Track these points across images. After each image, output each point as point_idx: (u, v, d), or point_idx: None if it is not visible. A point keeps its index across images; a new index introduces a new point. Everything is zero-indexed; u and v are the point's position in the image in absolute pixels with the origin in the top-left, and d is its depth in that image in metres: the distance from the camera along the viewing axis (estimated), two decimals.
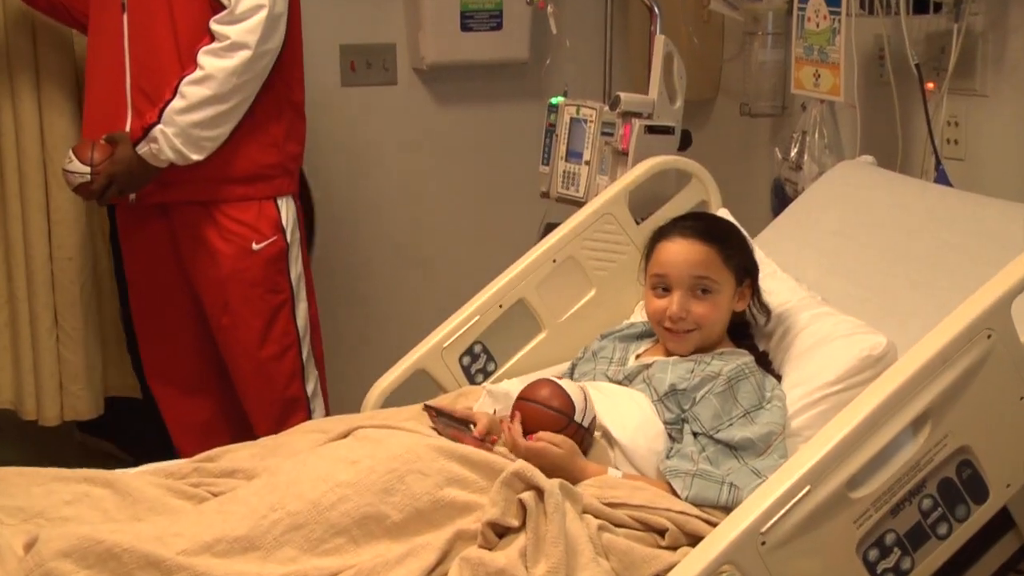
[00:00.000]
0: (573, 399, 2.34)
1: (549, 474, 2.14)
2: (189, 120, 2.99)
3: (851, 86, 3.23)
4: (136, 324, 3.41)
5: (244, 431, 3.27)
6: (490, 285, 2.94)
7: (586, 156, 3.36)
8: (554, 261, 2.98)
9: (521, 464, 2.12)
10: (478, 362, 2.91)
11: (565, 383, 2.38)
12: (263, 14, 2.97)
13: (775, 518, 1.90)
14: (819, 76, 3.29)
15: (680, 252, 2.51)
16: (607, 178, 3.28)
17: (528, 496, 2.06)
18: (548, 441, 2.27)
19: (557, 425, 2.30)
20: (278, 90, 3.15)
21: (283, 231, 3.19)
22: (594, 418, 2.35)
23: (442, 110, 4.17)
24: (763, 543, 1.88)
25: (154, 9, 3.06)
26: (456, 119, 4.18)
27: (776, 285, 2.68)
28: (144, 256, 3.30)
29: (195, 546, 1.95)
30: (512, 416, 2.36)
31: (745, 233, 2.69)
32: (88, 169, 3.07)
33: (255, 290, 3.18)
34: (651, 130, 3.27)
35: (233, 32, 2.97)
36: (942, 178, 3.04)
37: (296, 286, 3.24)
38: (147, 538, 1.95)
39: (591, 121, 3.35)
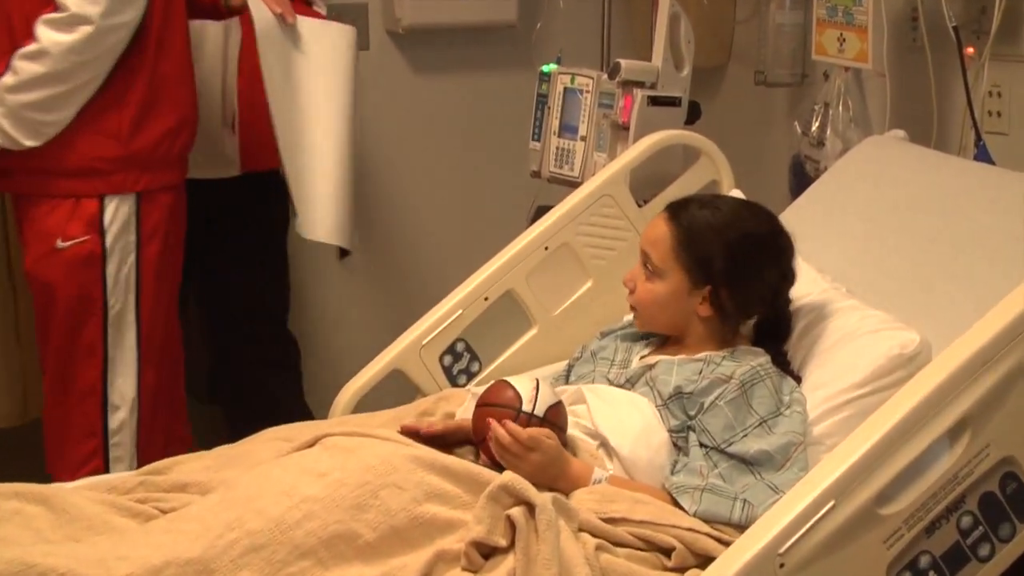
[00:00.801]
0: (519, 389, 2.34)
1: (531, 475, 2.15)
2: (21, 100, 2.94)
3: (880, 52, 3.23)
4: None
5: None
6: (474, 275, 2.94)
7: (582, 131, 3.36)
8: (546, 248, 2.98)
9: (509, 476, 2.11)
10: (460, 361, 2.91)
11: (516, 377, 2.39)
12: None
13: (795, 537, 1.90)
14: (844, 40, 3.29)
15: (651, 224, 2.58)
16: (605, 155, 3.28)
17: (517, 512, 2.06)
18: (509, 431, 2.27)
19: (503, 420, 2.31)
20: (136, 71, 3.08)
21: (101, 232, 3.11)
22: (555, 407, 2.35)
23: (420, 79, 4.16)
24: (781, 565, 1.88)
25: None
26: (435, 89, 4.18)
27: None
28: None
29: (142, 570, 1.94)
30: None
31: (768, 241, 2.55)
32: None
33: (58, 292, 3.13)
34: (655, 101, 3.27)
35: (73, 2, 2.89)
36: (983, 155, 3.04)
37: (114, 297, 3.16)
38: (87, 561, 1.94)
39: (587, 91, 3.35)
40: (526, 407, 2.32)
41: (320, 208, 3.25)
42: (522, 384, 2.35)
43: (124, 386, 3.21)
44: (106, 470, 3.23)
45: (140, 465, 3.17)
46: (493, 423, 2.29)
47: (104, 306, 3.14)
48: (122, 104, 3.07)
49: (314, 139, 3.23)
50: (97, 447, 3.23)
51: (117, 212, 3.11)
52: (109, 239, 3.11)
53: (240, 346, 3.79)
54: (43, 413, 3.30)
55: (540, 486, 2.16)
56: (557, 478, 2.26)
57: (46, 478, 2.94)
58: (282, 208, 3.54)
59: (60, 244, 3.08)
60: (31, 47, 2.93)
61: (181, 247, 3.32)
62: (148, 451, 3.26)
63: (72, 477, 3.15)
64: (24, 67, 2.94)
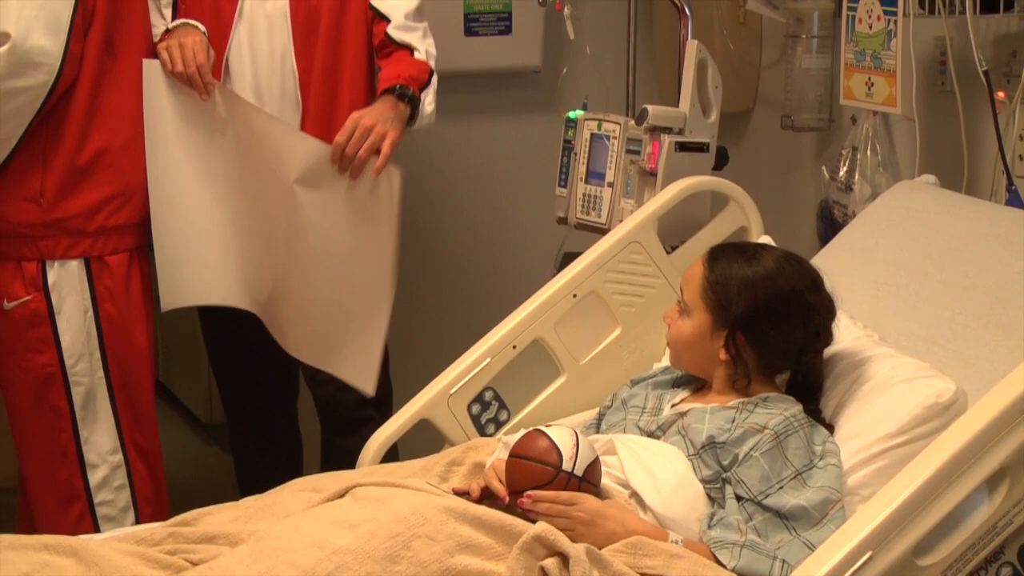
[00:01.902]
0: (559, 445, 2.33)
1: (609, 535, 2.18)
2: None
3: (909, 96, 3.24)
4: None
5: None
6: (502, 324, 2.94)
7: (609, 177, 3.36)
8: (574, 296, 2.98)
9: (543, 527, 2.12)
10: (489, 410, 2.91)
11: (554, 429, 2.37)
12: (4, 47, 2.87)
13: None
14: (872, 85, 3.31)
15: (692, 263, 2.65)
16: (633, 202, 3.28)
17: (551, 563, 2.07)
18: (551, 500, 2.26)
19: (543, 479, 2.30)
20: (61, 136, 3.05)
21: (45, 292, 3.09)
22: (593, 464, 2.35)
23: (443, 123, 4.15)
24: None
25: None
26: (460, 134, 4.20)
27: None
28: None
29: None
30: (499, 479, 2.37)
31: (793, 296, 2.54)
32: None
33: (12, 354, 3.12)
34: (683, 147, 3.27)
35: None
36: (1015, 200, 3.04)
37: (73, 356, 3.13)
38: None
39: (615, 137, 3.36)
40: (566, 465, 2.31)
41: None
42: (562, 438, 2.34)
43: (101, 443, 3.19)
44: (96, 532, 3.22)
45: (141, 520, 3.21)
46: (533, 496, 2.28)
47: (62, 366, 3.12)
48: (45, 168, 3.04)
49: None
50: (83, 510, 3.21)
51: (61, 273, 3.09)
52: (55, 298, 3.09)
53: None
54: (22, 483, 3.28)
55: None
56: (615, 533, 2.25)
57: None
58: None
59: (6, 304, 3.08)
60: None
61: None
62: (158, 503, 3.29)
63: None
64: None
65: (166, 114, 3.17)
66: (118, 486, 3.22)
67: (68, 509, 3.18)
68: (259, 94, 3.31)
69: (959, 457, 2.00)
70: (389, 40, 3.33)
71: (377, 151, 3.15)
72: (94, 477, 3.19)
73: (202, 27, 3.20)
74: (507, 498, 2.33)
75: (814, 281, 2.58)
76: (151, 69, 3.14)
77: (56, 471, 3.18)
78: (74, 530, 3.04)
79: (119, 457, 3.20)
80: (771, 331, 2.52)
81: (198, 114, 3.20)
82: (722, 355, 2.53)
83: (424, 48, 3.34)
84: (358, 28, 3.37)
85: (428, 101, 3.29)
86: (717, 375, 2.56)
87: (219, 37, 3.27)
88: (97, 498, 3.21)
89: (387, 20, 3.32)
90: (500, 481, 2.38)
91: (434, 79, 3.31)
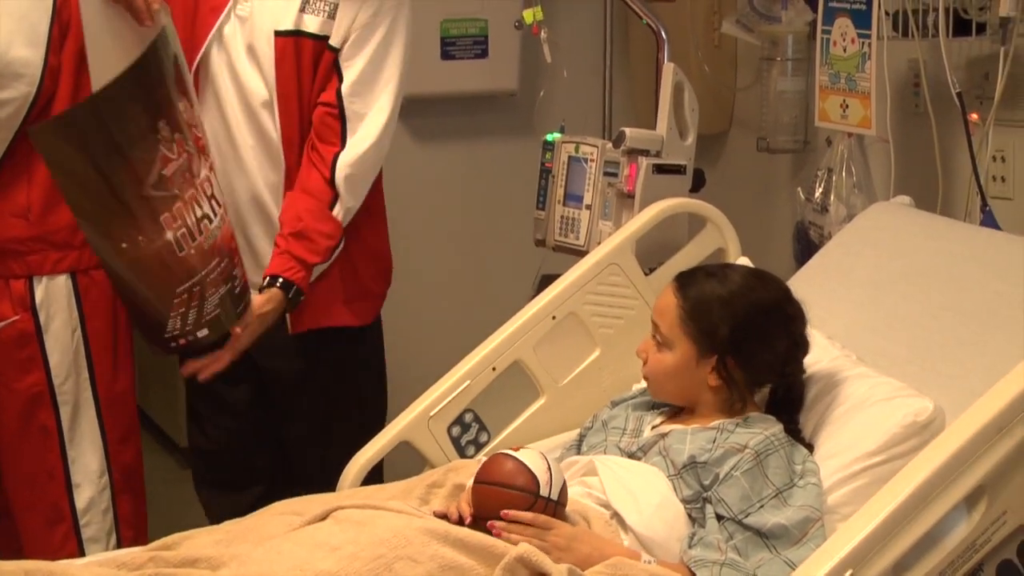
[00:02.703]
0: (535, 471, 2.32)
1: (584, 558, 2.17)
2: None
3: (883, 117, 3.27)
4: None
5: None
6: (481, 346, 2.94)
7: (587, 199, 3.38)
8: (553, 318, 2.99)
9: (525, 547, 2.13)
10: (469, 432, 2.91)
11: (523, 452, 2.36)
12: None
13: None
14: (847, 107, 3.33)
15: (661, 295, 2.63)
16: (611, 224, 3.30)
17: None
18: (528, 522, 2.26)
19: (523, 505, 2.29)
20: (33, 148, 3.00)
21: (33, 311, 3.05)
22: (563, 485, 2.35)
23: (420, 147, 4.20)
24: None
25: None
26: (437, 158, 4.21)
27: None
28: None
29: None
30: (472, 502, 2.35)
31: (774, 308, 2.57)
32: None
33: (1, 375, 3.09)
34: (660, 169, 3.29)
35: None
36: (989, 220, 3.06)
37: (60, 376, 3.09)
38: None
39: (592, 160, 3.38)
40: (543, 491, 2.30)
41: None
42: (535, 463, 2.32)
43: (88, 464, 3.16)
44: (80, 554, 3.22)
45: (123, 543, 3.18)
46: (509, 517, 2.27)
47: (50, 385, 3.08)
48: (30, 182, 3.00)
49: None
50: (68, 531, 3.18)
51: (49, 291, 3.05)
52: (43, 317, 3.05)
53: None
54: (5, 505, 3.24)
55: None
56: (590, 557, 2.25)
57: None
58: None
59: None
60: None
61: None
62: (138, 526, 3.27)
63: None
64: None
65: (108, 49, 2.87)
66: (104, 508, 3.21)
67: (53, 530, 3.15)
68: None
69: (938, 475, 2.01)
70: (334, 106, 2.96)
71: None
72: (80, 498, 3.16)
73: None
74: (468, 520, 2.33)
75: (785, 291, 2.61)
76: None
77: (42, 492, 3.15)
78: (58, 551, 3.05)
79: (105, 479, 3.19)
80: (758, 348, 2.53)
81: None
82: (712, 381, 2.52)
83: (365, 180, 3.02)
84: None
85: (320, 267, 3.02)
86: (703, 401, 2.55)
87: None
88: (83, 520, 3.18)
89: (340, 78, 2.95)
90: (468, 503, 2.37)
91: (340, 243, 3.01)
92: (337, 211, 2.94)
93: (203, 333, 2.85)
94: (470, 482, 2.43)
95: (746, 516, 2.33)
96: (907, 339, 2.71)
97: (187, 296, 2.74)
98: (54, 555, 3.05)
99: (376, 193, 3.14)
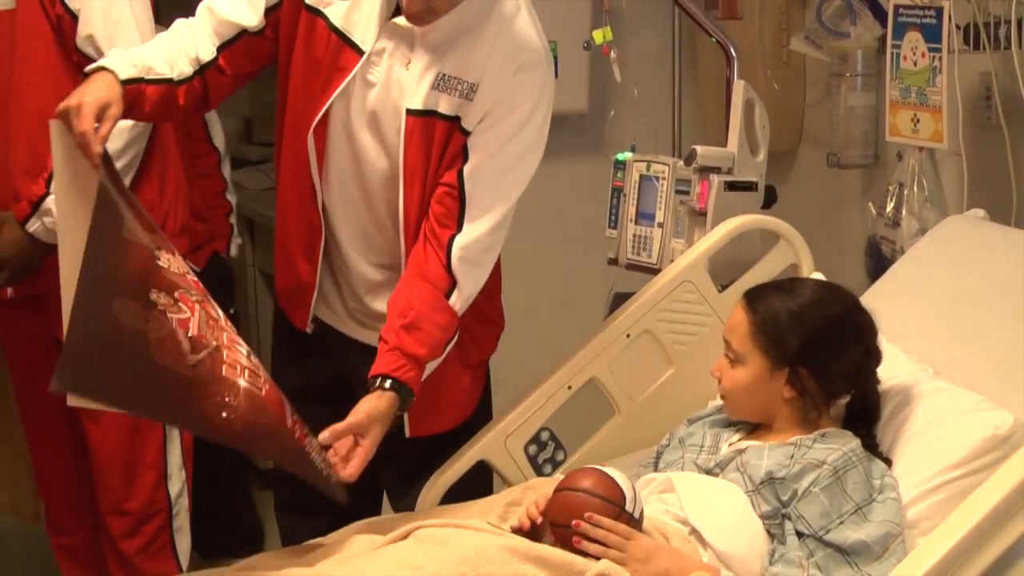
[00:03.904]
0: (622, 487, 2.34)
1: (660, 573, 2.17)
2: None
3: (955, 131, 3.25)
4: (26, 430, 3.42)
5: None
6: (557, 364, 2.95)
7: (659, 218, 3.37)
8: (628, 336, 2.99)
9: (606, 564, 2.13)
10: (545, 451, 2.92)
11: (610, 470, 2.37)
12: None
13: None
14: (918, 121, 3.31)
15: (732, 312, 2.62)
16: (683, 242, 3.29)
17: None
18: (609, 528, 2.26)
19: (607, 515, 2.29)
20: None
21: None
22: (642, 511, 2.36)
23: None
24: None
25: (9, 91, 3.06)
26: None
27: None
28: (24, 358, 3.29)
29: None
30: (549, 507, 2.36)
31: (845, 317, 2.57)
32: None
33: None
34: (732, 187, 3.28)
35: None
36: None
37: None
38: None
39: (664, 178, 3.37)
40: (628, 506, 2.31)
41: None
42: (623, 480, 2.34)
43: (175, 458, 3.26)
44: (172, 544, 3.27)
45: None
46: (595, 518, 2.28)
47: None
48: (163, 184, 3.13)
49: None
50: (164, 523, 3.28)
51: None
52: None
53: None
54: (99, 497, 3.31)
55: None
56: (669, 572, 2.26)
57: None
58: None
59: None
60: None
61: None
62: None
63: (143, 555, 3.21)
64: None
65: (67, 181, 2.53)
66: (185, 504, 3.30)
67: (151, 522, 3.24)
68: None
69: (1020, 489, 1.99)
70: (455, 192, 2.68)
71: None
72: (173, 489, 3.26)
73: (121, 67, 2.55)
74: (537, 521, 2.35)
75: (855, 302, 2.61)
76: (57, 129, 2.52)
77: (143, 484, 3.24)
78: (153, 541, 3.22)
79: (184, 474, 3.27)
80: (830, 357, 2.53)
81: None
82: (786, 393, 2.52)
83: (478, 272, 2.72)
84: None
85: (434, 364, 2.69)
86: (780, 415, 2.55)
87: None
88: (175, 510, 3.28)
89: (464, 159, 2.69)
90: (536, 507, 2.38)
91: (454, 336, 2.70)
92: (454, 300, 2.66)
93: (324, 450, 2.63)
94: (548, 491, 2.43)
95: (826, 532, 2.32)
96: (984, 352, 2.69)
97: (296, 427, 2.53)
98: (148, 544, 3.23)
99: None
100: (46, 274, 2.96)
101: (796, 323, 2.52)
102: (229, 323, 2.52)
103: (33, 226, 3.01)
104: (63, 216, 2.52)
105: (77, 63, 2.95)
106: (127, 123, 2.83)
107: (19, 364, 3.33)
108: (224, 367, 2.40)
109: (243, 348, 2.49)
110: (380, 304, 2.74)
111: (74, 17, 2.98)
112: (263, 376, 2.50)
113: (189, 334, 2.35)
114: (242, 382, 2.41)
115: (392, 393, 2.57)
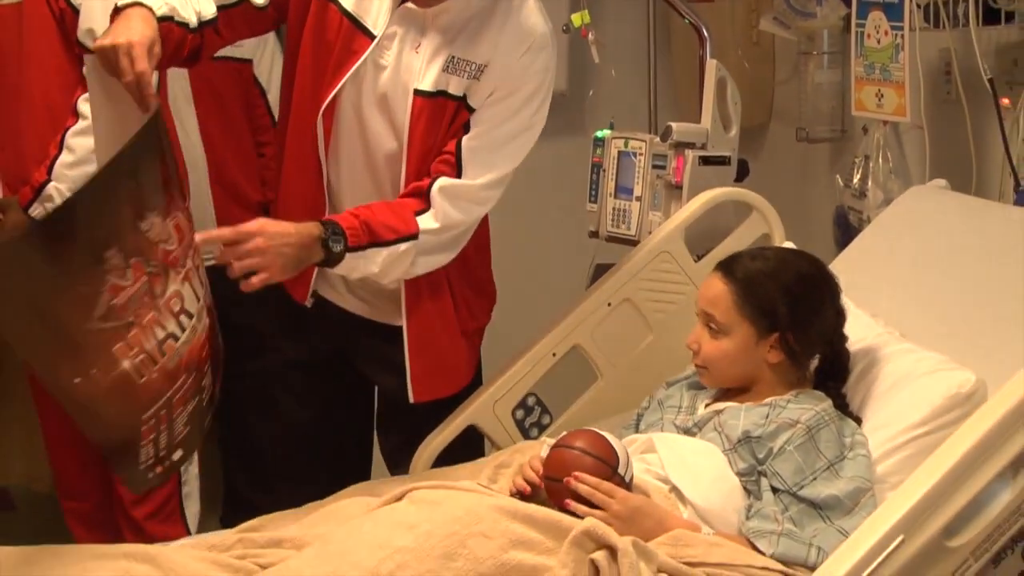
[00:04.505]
0: (616, 449, 2.34)
1: (646, 531, 2.16)
2: (82, 173, 2.93)
3: (917, 105, 3.24)
4: (36, 402, 3.44)
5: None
6: (542, 332, 2.96)
7: (637, 191, 3.37)
8: (609, 304, 2.99)
9: (591, 522, 2.13)
10: (532, 415, 2.92)
11: (609, 436, 2.38)
12: None
13: (869, 570, 1.92)
14: (882, 96, 3.31)
15: (706, 284, 2.59)
16: (660, 214, 3.29)
17: (600, 556, 2.08)
18: (594, 486, 2.27)
19: (599, 474, 2.31)
20: None
21: None
22: (633, 476, 2.36)
23: None
24: None
25: (17, 81, 3.07)
26: None
27: (849, 321, 2.67)
28: None
29: None
30: (545, 462, 2.37)
31: (820, 281, 2.58)
32: None
33: None
34: (706, 161, 3.28)
35: None
36: (1022, 199, 3.04)
37: None
38: None
39: (641, 154, 3.37)
40: (621, 469, 2.32)
41: None
42: (617, 444, 2.35)
43: None
44: (181, 509, 3.28)
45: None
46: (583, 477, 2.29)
47: None
48: None
49: None
50: (173, 490, 3.32)
51: None
52: None
53: None
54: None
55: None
56: (652, 530, 2.26)
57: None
58: None
59: None
60: (80, 124, 2.97)
61: None
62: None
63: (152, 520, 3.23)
64: (79, 143, 2.98)
65: (110, 119, 2.48)
66: (195, 472, 3.29)
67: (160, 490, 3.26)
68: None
69: (982, 443, 2.01)
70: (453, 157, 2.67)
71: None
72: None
73: (155, 2, 2.46)
74: (542, 483, 2.35)
75: (821, 263, 2.62)
76: (91, 63, 2.44)
77: None
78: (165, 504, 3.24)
79: None
80: (812, 318, 2.53)
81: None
82: (773, 357, 2.51)
83: (456, 210, 2.68)
84: None
85: (373, 260, 2.61)
86: (763, 378, 2.54)
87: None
88: (184, 476, 3.31)
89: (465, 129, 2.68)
90: (533, 470, 2.40)
91: (407, 246, 2.62)
92: (421, 219, 2.62)
93: (178, 455, 2.53)
94: (545, 449, 2.43)
95: (800, 488, 2.32)
96: (947, 315, 2.70)
97: (155, 421, 2.41)
98: (160, 509, 3.26)
99: (483, 227, 2.92)
100: None
101: (782, 291, 2.51)
102: (178, 300, 2.38)
103: (35, 211, 3.03)
104: (102, 157, 2.42)
105: (79, 56, 2.93)
106: None
107: None
108: (120, 344, 2.28)
109: (162, 332, 2.34)
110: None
111: (75, 11, 2.98)
112: (162, 367, 2.37)
113: (112, 301, 2.24)
114: (126, 363, 2.29)
115: (320, 228, 2.53)
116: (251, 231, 2.46)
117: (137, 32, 2.36)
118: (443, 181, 2.63)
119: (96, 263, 2.19)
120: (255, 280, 2.45)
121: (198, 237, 2.38)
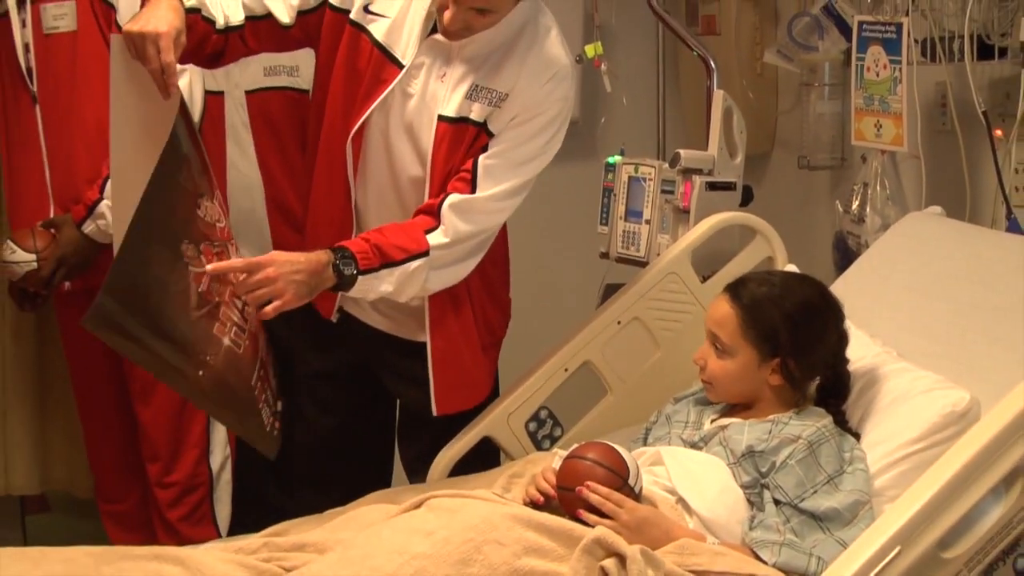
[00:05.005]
0: (626, 461, 2.34)
1: (653, 540, 2.16)
2: None
3: (914, 135, 3.25)
4: (80, 410, 3.44)
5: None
6: (555, 348, 2.96)
7: (646, 215, 3.37)
8: (618, 323, 2.99)
9: (602, 530, 2.13)
10: (544, 427, 2.92)
11: (618, 447, 2.38)
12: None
13: None
14: (880, 126, 3.31)
15: (714, 305, 2.58)
16: (668, 237, 3.29)
17: (610, 563, 2.08)
18: (605, 496, 2.27)
19: (610, 485, 2.30)
20: None
21: None
22: (642, 487, 2.36)
23: None
24: None
25: (70, 105, 3.08)
26: None
27: (849, 342, 2.66)
28: (79, 345, 3.29)
29: None
30: (559, 471, 2.37)
31: (823, 308, 2.56)
32: (33, 256, 3.08)
33: None
34: (712, 186, 3.28)
35: None
36: (1014, 226, 3.03)
37: None
38: None
39: (650, 179, 3.37)
40: (631, 480, 2.32)
41: None
42: (628, 456, 2.36)
43: (220, 431, 3.28)
44: (212, 513, 3.28)
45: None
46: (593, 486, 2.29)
47: None
48: None
49: None
50: (205, 495, 3.32)
51: None
52: None
53: None
54: (148, 470, 3.33)
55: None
56: (659, 539, 2.26)
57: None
58: None
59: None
60: None
61: None
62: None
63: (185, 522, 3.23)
64: None
65: (130, 104, 2.41)
66: (227, 478, 3.30)
67: (194, 493, 3.28)
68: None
69: (976, 460, 2.00)
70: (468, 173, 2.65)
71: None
72: (214, 463, 3.29)
73: None
74: (555, 493, 2.35)
75: (825, 288, 2.61)
76: (118, 45, 2.37)
77: (187, 459, 3.26)
78: (196, 509, 3.26)
79: (228, 449, 3.29)
80: (813, 345, 2.52)
81: (158, 111, 2.42)
82: (774, 381, 2.50)
83: (466, 223, 2.64)
84: None
85: (385, 280, 2.59)
86: (764, 397, 2.53)
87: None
88: (218, 483, 3.31)
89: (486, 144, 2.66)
90: (546, 481, 2.39)
91: (418, 263, 2.60)
92: (431, 236, 2.61)
93: (280, 405, 2.63)
94: (557, 461, 2.43)
95: (801, 501, 2.32)
96: (943, 337, 2.69)
97: (260, 383, 2.51)
98: (192, 512, 3.23)
99: (502, 244, 2.92)
100: (99, 270, 3.00)
101: (784, 318, 2.50)
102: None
103: (88, 228, 3.06)
104: (117, 137, 2.40)
105: None
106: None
107: (75, 351, 3.34)
108: (216, 324, 2.35)
109: (239, 302, 2.43)
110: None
111: None
112: (248, 331, 2.44)
113: (200, 289, 2.30)
114: (226, 340, 2.36)
115: (330, 254, 2.52)
116: (262, 262, 2.46)
117: (165, 21, 2.37)
118: (454, 198, 2.62)
119: (177, 260, 2.25)
120: (269, 309, 2.45)
121: (209, 268, 2.40)
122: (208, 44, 2.59)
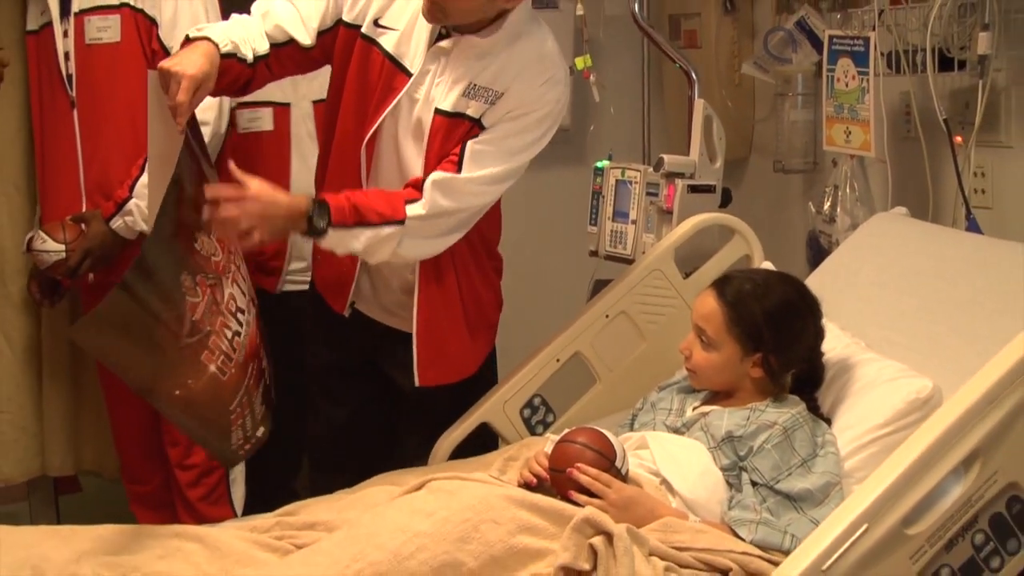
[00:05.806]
0: (614, 445, 2.34)
1: (639, 519, 2.16)
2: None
3: (881, 142, 3.24)
4: (107, 400, 3.44)
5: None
6: (547, 340, 2.95)
7: (632, 216, 3.37)
8: (607, 316, 2.99)
9: (590, 510, 2.13)
10: (538, 414, 2.92)
11: (606, 431, 2.38)
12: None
13: (836, 555, 1.91)
14: (850, 133, 3.31)
15: (701, 300, 2.57)
16: (653, 236, 3.29)
17: (598, 540, 2.07)
18: (594, 477, 2.27)
19: (598, 467, 2.31)
20: None
21: None
22: (628, 470, 2.36)
23: None
24: None
25: (107, 110, 3.09)
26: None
27: None
28: None
29: None
30: (551, 454, 2.37)
31: (803, 308, 2.55)
32: (63, 247, 3.09)
33: None
34: (693, 189, 3.28)
35: None
36: (973, 226, 3.04)
37: None
38: None
39: (636, 182, 3.37)
40: (618, 463, 2.33)
41: None
42: (616, 440, 2.36)
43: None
44: (228, 493, 3.28)
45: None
46: (583, 467, 2.29)
47: None
48: None
49: None
50: (222, 476, 3.32)
51: None
52: None
53: None
54: (169, 453, 3.33)
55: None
56: (644, 518, 2.26)
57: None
58: None
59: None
60: None
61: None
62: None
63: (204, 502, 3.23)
64: None
65: (161, 132, 2.40)
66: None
67: (211, 474, 3.29)
68: None
69: (938, 443, 2.00)
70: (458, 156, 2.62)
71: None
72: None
73: (221, 40, 2.49)
74: (548, 475, 2.35)
75: (804, 287, 2.60)
76: (154, 79, 2.39)
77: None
78: (215, 489, 3.27)
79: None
80: (793, 341, 2.52)
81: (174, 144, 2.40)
82: (755, 373, 2.50)
83: (446, 199, 2.59)
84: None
85: (356, 239, 2.54)
86: (744, 387, 2.53)
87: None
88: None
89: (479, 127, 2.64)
90: (539, 464, 2.39)
91: (392, 230, 2.55)
92: (410, 207, 2.56)
93: (260, 432, 2.58)
94: (549, 445, 2.43)
95: (777, 482, 2.32)
96: (907, 329, 2.69)
97: (240, 409, 2.48)
98: (211, 491, 3.26)
99: (494, 233, 2.93)
100: (123, 264, 3.00)
101: (767, 317, 2.49)
102: (233, 301, 2.45)
103: (116, 223, 3.07)
104: (154, 157, 2.42)
105: None
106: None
107: None
108: (204, 352, 2.33)
109: (230, 331, 2.40)
110: (410, 298, 2.73)
111: (167, 52, 3.00)
112: (235, 359, 2.41)
113: (192, 318, 2.29)
114: (212, 368, 2.34)
115: (310, 204, 2.49)
116: (246, 196, 2.42)
117: (194, 65, 2.38)
118: (438, 175, 2.59)
119: (176, 289, 2.24)
120: (245, 242, 2.43)
121: (208, 191, 2.39)
122: (241, 79, 2.60)
